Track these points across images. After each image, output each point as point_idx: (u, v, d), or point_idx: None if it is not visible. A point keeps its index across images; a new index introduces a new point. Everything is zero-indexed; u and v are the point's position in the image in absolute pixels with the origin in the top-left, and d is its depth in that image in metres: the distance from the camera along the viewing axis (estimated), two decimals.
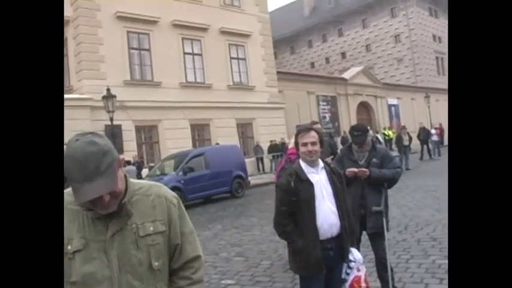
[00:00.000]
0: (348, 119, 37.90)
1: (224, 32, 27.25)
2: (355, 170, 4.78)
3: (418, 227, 8.53)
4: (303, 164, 3.65)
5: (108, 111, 18.59)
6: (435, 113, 39.96)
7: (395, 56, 57.69)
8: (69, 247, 1.83)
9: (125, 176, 1.93)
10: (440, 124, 33.52)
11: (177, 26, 25.01)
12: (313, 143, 3.58)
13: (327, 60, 64.13)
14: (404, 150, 22.01)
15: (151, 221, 1.94)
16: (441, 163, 21.07)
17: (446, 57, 55.92)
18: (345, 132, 33.28)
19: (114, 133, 18.20)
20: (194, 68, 25.81)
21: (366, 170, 4.78)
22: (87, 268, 1.82)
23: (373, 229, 4.85)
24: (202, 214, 13.79)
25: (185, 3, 25.60)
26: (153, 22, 24.06)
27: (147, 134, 24.13)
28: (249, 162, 23.76)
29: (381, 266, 4.90)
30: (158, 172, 17.81)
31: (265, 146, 27.16)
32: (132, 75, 23.43)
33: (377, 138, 29.15)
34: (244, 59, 28.53)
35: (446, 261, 5.82)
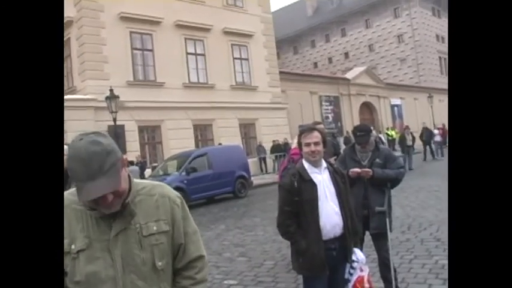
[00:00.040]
0: (350, 119, 37.86)
1: (227, 32, 27.26)
2: (358, 170, 4.77)
3: (421, 227, 8.52)
4: (306, 164, 3.65)
5: (111, 112, 18.60)
6: (438, 113, 39.87)
7: (399, 56, 57.63)
8: (73, 246, 1.83)
9: (128, 176, 1.93)
10: (443, 124, 33.50)
11: (180, 26, 25.02)
12: (316, 143, 3.58)
13: (330, 60, 64.10)
14: (407, 150, 21.97)
15: (154, 220, 1.94)
16: (444, 163, 21.02)
17: None
18: (347, 132, 33.23)
19: (117, 133, 18.21)
20: (197, 68, 25.82)
21: (369, 170, 4.77)
22: (91, 268, 1.82)
23: (376, 229, 4.84)
24: (205, 214, 13.79)
25: (188, 3, 25.62)
26: (156, 22, 24.07)
27: (150, 134, 24.15)
28: (252, 162, 23.75)
29: (384, 267, 4.88)
30: (161, 172, 17.82)
31: (267, 146, 27.17)
32: (135, 76, 23.45)
33: (380, 138, 29.15)
34: (247, 59, 28.52)
35: None
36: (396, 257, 6.36)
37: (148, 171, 20.07)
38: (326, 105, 36.92)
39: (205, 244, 2.17)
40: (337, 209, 3.54)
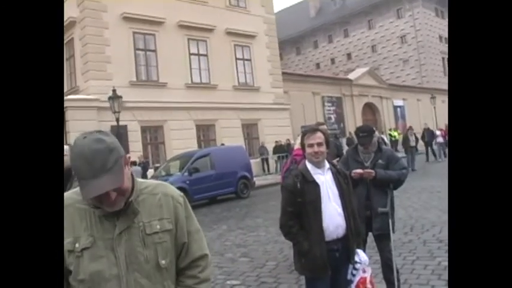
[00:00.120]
0: (353, 120, 37.83)
1: (230, 33, 27.27)
2: (361, 171, 4.77)
3: (424, 228, 8.51)
4: (309, 165, 3.65)
5: (114, 112, 18.62)
6: (441, 114, 39.80)
7: (401, 56, 57.60)
8: (76, 245, 1.84)
9: (132, 175, 1.94)
10: (446, 125, 33.42)
11: (182, 26, 25.04)
12: (319, 144, 3.58)
13: (333, 61, 64.10)
14: (411, 151, 21.94)
15: (158, 219, 1.95)
16: (446, 164, 20.99)
17: None
18: (350, 133, 33.23)
19: (119, 134, 18.22)
20: (200, 68, 25.83)
21: (372, 171, 4.77)
22: (95, 266, 1.83)
23: (378, 230, 4.84)
24: (207, 215, 13.80)
25: (191, 4, 25.64)
26: (159, 23, 24.10)
27: (153, 135, 24.16)
28: (254, 163, 23.78)
29: (387, 268, 4.88)
30: (164, 173, 17.83)
31: (270, 146, 27.16)
32: (138, 76, 23.48)
33: (382, 139, 29.10)
34: (249, 60, 28.53)
35: None
36: (399, 258, 6.36)
37: (150, 172, 20.08)
38: (328, 106, 36.89)
39: (208, 244, 2.17)
40: (340, 210, 3.54)
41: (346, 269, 3.62)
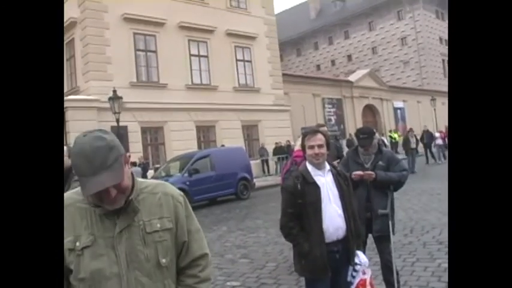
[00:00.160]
0: (353, 121, 37.83)
1: (230, 34, 27.28)
2: (361, 173, 4.77)
3: (423, 230, 8.51)
4: (309, 167, 3.65)
5: (114, 113, 18.61)
6: (441, 116, 39.79)
7: (402, 58, 57.61)
8: (77, 244, 1.84)
9: (132, 174, 1.95)
10: (446, 127, 33.41)
11: (183, 27, 25.06)
12: (319, 146, 3.58)
13: (333, 62, 64.11)
14: (411, 153, 21.92)
15: (158, 218, 1.95)
16: (446, 167, 20.98)
17: None
18: (350, 135, 33.24)
19: (120, 134, 18.22)
20: (200, 69, 25.83)
21: (372, 173, 4.78)
22: (96, 264, 1.83)
23: (379, 232, 4.84)
24: (207, 216, 13.80)
25: (192, 5, 25.66)
26: (160, 24, 24.11)
27: (153, 136, 24.17)
28: (254, 164, 23.78)
29: (387, 269, 4.88)
30: (163, 173, 17.82)
31: (270, 148, 27.18)
32: (139, 77, 23.49)
33: (383, 141, 29.12)
34: (250, 61, 28.53)
35: None
36: (399, 260, 6.36)
37: (151, 172, 20.08)
38: (329, 108, 36.90)
39: (208, 245, 2.17)
40: (340, 211, 3.54)
41: (346, 271, 3.62)
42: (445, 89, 50.25)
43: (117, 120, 18.56)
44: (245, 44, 28.30)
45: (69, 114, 20.05)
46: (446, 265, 6.08)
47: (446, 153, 25.19)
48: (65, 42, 23.82)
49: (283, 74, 31.94)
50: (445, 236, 7.68)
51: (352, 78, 40.84)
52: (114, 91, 18.79)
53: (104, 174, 1.74)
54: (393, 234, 4.87)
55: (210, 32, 26.26)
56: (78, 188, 1.93)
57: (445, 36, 58.60)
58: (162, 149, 24.19)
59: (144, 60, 23.84)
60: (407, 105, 45.98)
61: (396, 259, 5.23)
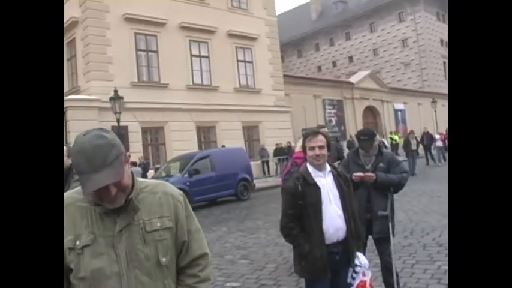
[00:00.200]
0: (354, 123, 37.85)
1: (231, 35, 27.29)
2: (362, 174, 4.77)
3: (423, 232, 8.51)
4: (310, 168, 3.65)
5: (115, 113, 18.62)
6: (442, 118, 39.78)
7: (403, 60, 57.60)
8: (77, 242, 1.84)
9: (132, 173, 1.96)
10: (446, 130, 33.39)
11: (184, 28, 25.07)
12: (320, 147, 3.59)
13: (334, 64, 64.10)
14: (412, 154, 21.91)
15: (158, 217, 1.95)
16: (447, 168, 20.97)
17: None
18: (351, 136, 33.26)
19: (120, 134, 18.22)
20: (201, 70, 25.85)
21: (373, 174, 4.78)
22: (96, 263, 1.83)
23: (379, 234, 4.84)
24: (207, 216, 13.79)
25: (193, 5, 25.67)
26: (161, 24, 24.12)
27: (154, 136, 24.17)
28: (255, 165, 23.79)
29: (386, 271, 4.88)
30: (164, 174, 17.83)
31: (270, 149, 27.19)
32: (140, 77, 23.50)
33: (383, 142, 29.10)
34: (251, 62, 28.54)
35: None
36: (398, 262, 6.36)
37: (151, 173, 20.09)
38: (329, 109, 36.92)
39: (207, 246, 2.17)
40: (340, 212, 3.55)
41: (346, 272, 3.62)
42: (446, 91, 50.20)
43: (118, 120, 18.57)
44: (246, 44, 28.31)
45: (69, 114, 20.07)
46: (446, 267, 6.08)
47: (447, 155, 25.20)
48: (66, 42, 23.86)
49: (284, 75, 31.97)
50: (445, 238, 7.67)
51: (353, 79, 40.88)
52: (115, 91, 18.81)
53: (104, 172, 1.74)
54: (393, 236, 4.87)
55: (211, 32, 26.27)
56: (79, 188, 1.94)
57: (446, 38, 58.53)
58: (162, 149, 24.19)
59: (145, 60, 23.86)
60: (408, 107, 46.00)
61: (396, 261, 5.23)
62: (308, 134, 3.75)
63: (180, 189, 2.19)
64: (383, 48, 59.35)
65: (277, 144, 27.05)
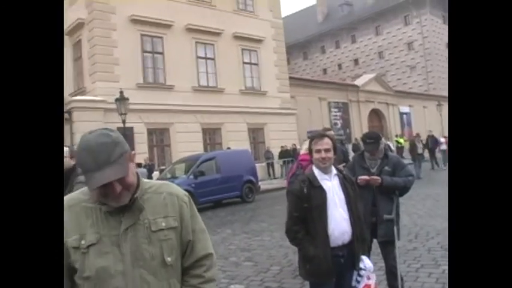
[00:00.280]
0: (359, 126, 37.81)
1: (237, 37, 27.32)
2: (367, 177, 4.77)
3: (428, 236, 8.49)
4: (316, 171, 3.65)
5: (121, 114, 18.67)
6: (447, 122, 39.63)
7: (408, 63, 57.49)
8: (82, 242, 1.85)
9: (137, 173, 1.97)
10: None
11: (190, 30, 25.11)
12: (326, 150, 3.58)
13: (340, 66, 64.06)
14: (418, 158, 21.83)
15: (163, 216, 1.96)
16: None
17: None
18: (356, 139, 33.18)
19: (125, 135, 18.24)
20: (207, 72, 25.89)
21: (378, 178, 4.77)
22: (101, 262, 1.84)
23: (384, 237, 4.83)
24: (212, 218, 13.80)
25: (199, 7, 25.73)
26: (167, 26, 24.17)
27: (159, 137, 24.19)
28: (260, 167, 23.77)
29: (391, 275, 4.87)
30: (169, 175, 17.83)
31: (276, 151, 27.19)
32: (145, 78, 23.55)
33: (388, 146, 29.02)
34: (256, 64, 28.57)
35: None
36: (403, 266, 6.34)
37: (156, 174, 20.10)
38: (335, 112, 36.90)
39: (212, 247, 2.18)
40: (346, 215, 3.54)
41: (351, 276, 3.62)
42: None
43: (123, 122, 18.61)
44: (252, 47, 28.34)
45: (75, 115, 20.15)
46: None
47: None
48: (72, 43, 23.99)
49: (290, 78, 31.96)
50: None
51: (358, 82, 40.85)
52: (121, 92, 18.86)
53: (109, 169, 1.76)
54: (398, 239, 4.87)
55: (217, 34, 26.32)
56: (83, 189, 1.96)
57: None
58: (167, 151, 24.22)
59: (150, 62, 23.91)
60: (413, 110, 45.90)
61: (401, 265, 5.22)
62: (314, 137, 3.75)
63: (185, 190, 2.19)
64: (389, 51, 59.27)
65: (282, 147, 27.04)
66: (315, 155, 3.64)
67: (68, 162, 4.32)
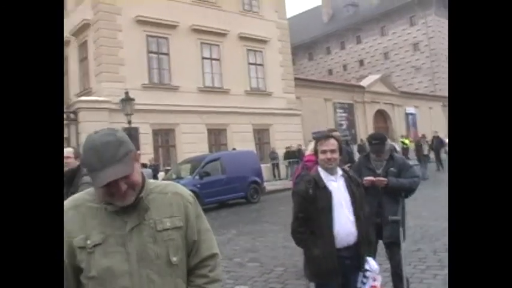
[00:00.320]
0: (364, 127, 37.76)
1: (242, 38, 27.33)
2: (373, 178, 4.76)
3: (434, 237, 8.46)
4: (321, 172, 3.64)
5: (126, 114, 18.71)
6: None
7: (414, 64, 57.38)
8: (88, 241, 1.85)
9: (142, 173, 1.98)
10: None
11: (196, 30, 25.14)
12: (332, 151, 3.58)
13: (345, 67, 64.00)
14: (424, 159, 21.74)
15: (168, 216, 1.96)
16: None
17: None
18: (361, 140, 33.13)
19: (131, 136, 18.16)
20: (212, 72, 25.90)
21: (384, 179, 4.76)
22: (106, 262, 1.84)
23: (389, 238, 4.82)
24: (216, 219, 13.79)
25: (204, 8, 25.75)
26: (172, 26, 24.20)
27: (164, 138, 24.21)
28: (265, 168, 23.75)
29: (397, 276, 4.86)
30: (174, 176, 17.86)
31: (281, 152, 27.17)
32: (151, 79, 23.57)
33: (394, 147, 28.95)
34: (262, 65, 28.56)
35: None
36: (409, 267, 6.31)
37: (161, 175, 20.11)
38: (340, 113, 36.87)
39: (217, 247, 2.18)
40: (351, 217, 3.53)
41: (356, 277, 3.61)
42: None
43: (129, 122, 18.65)
44: (257, 47, 28.34)
45: (81, 116, 20.20)
46: None
47: None
48: (78, 44, 24.08)
49: (295, 78, 31.94)
50: None
51: (363, 83, 40.79)
52: (126, 93, 18.90)
53: (114, 167, 1.77)
54: (403, 240, 4.85)
55: (223, 35, 26.33)
56: (89, 189, 1.98)
57: None
58: (173, 152, 24.23)
59: (156, 63, 23.94)
60: (418, 111, 45.79)
61: (406, 266, 5.20)
62: (320, 138, 3.74)
63: (191, 191, 2.20)
64: (394, 52, 59.17)
65: (287, 147, 27.02)
66: (321, 156, 3.63)
67: (73, 162, 4.34)
